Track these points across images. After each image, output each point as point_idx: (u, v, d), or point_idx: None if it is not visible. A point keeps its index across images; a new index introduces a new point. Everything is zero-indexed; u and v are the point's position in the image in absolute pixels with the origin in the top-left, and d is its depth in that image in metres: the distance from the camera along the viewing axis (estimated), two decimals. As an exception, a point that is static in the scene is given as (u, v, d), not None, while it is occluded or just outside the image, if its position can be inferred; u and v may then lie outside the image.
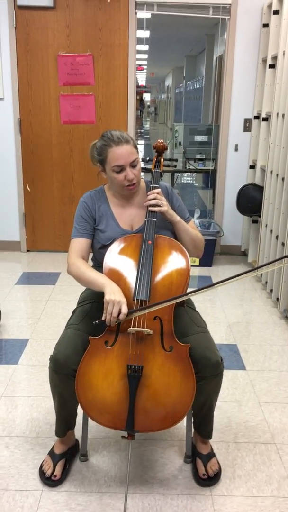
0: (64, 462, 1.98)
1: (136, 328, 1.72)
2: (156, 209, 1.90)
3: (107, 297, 1.72)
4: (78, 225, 1.99)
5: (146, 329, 1.72)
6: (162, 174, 2.07)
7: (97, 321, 1.76)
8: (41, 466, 1.99)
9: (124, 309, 1.71)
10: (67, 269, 1.94)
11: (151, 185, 1.99)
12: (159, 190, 1.95)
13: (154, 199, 1.91)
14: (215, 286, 1.72)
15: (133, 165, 1.90)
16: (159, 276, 1.83)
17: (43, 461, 2.01)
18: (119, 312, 1.70)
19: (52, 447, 2.03)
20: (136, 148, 1.94)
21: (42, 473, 1.96)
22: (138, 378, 1.69)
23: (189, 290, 1.91)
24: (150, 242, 1.86)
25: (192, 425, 2.02)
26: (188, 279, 1.84)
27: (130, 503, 1.84)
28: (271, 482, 1.95)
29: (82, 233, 1.97)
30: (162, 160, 2.09)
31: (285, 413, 2.38)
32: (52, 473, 1.94)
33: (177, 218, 1.96)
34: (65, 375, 1.79)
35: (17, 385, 2.57)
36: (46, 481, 1.93)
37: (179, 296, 1.77)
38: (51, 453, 2.00)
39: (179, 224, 1.96)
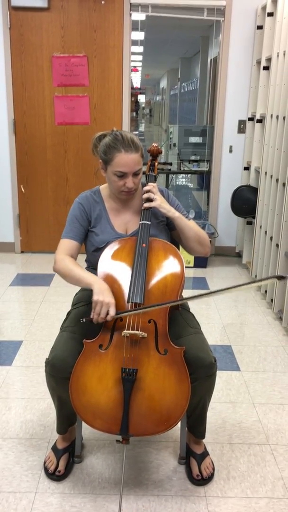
0: (67, 456, 2.00)
1: (130, 331, 1.72)
2: (146, 204, 1.89)
3: (95, 297, 1.72)
4: (70, 226, 1.97)
5: (141, 332, 1.72)
6: (157, 177, 2.06)
7: (84, 319, 1.76)
8: (45, 462, 2.01)
9: (112, 311, 1.71)
10: (54, 266, 1.90)
11: (146, 182, 1.98)
12: (154, 184, 1.94)
13: (148, 191, 1.90)
14: (209, 295, 1.73)
15: (135, 173, 1.88)
16: (153, 279, 1.83)
17: (46, 457, 2.02)
18: (107, 313, 1.70)
19: (55, 442, 2.04)
20: (142, 156, 1.90)
21: (45, 469, 1.98)
22: (132, 381, 1.69)
23: (184, 292, 1.91)
24: (144, 245, 1.85)
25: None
26: (183, 282, 1.84)
27: (124, 504, 1.84)
28: (266, 483, 1.96)
29: (73, 235, 1.95)
30: (156, 163, 2.09)
31: (280, 414, 2.39)
32: (56, 468, 1.95)
33: (175, 213, 1.91)
34: (62, 378, 1.78)
35: (10, 387, 2.56)
36: (51, 477, 1.95)
37: (172, 302, 1.77)
38: (54, 449, 2.02)
39: (178, 219, 1.92)
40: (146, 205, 1.90)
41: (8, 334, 3.13)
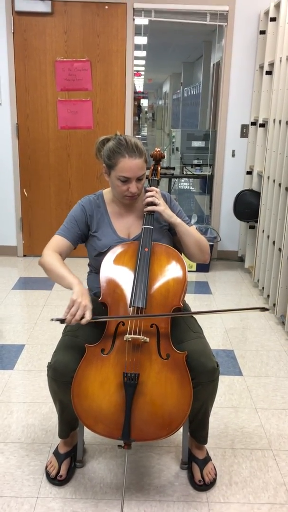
0: (69, 461, 1.99)
1: (132, 336, 1.72)
2: (150, 208, 1.89)
3: (74, 296, 1.71)
4: (67, 225, 1.98)
5: (143, 337, 1.72)
6: (159, 182, 2.07)
7: (55, 319, 1.73)
8: (46, 466, 2.00)
9: (88, 315, 1.69)
10: (40, 259, 1.89)
11: (148, 187, 1.98)
12: (157, 189, 1.94)
13: (152, 196, 1.90)
14: (211, 312, 1.75)
15: (139, 178, 1.88)
16: (156, 284, 1.82)
17: (48, 461, 2.02)
18: (82, 317, 1.69)
19: (57, 447, 2.04)
20: (146, 161, 1.90)
21: (47, 473, 1.97)
22: (134, 386, 1.68)
23: (186, 296, 1.91)
24: (146, 249, 1.85)
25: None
26: (185, 286, 1.84)
27: (126, 510, 1.83)
28: (268, 488, 1.95)
29: (67, 235, 1.96)
30: (159, 168, 2.09)
31: (282, 419, 2.38)
32: (57, 473, 1.95)
33: (177, 220, 1.92)
34: (64, 382, 1.78)
35: (12, 391, 2.56)
36: (53, 481, 1.94)
37: (160, 314, 1.78)
38: (56, 453, 2.01)
39: (179, 226, 1.92)
40: (150, 208, 1.90)
41: (10, 337, 3.13)
